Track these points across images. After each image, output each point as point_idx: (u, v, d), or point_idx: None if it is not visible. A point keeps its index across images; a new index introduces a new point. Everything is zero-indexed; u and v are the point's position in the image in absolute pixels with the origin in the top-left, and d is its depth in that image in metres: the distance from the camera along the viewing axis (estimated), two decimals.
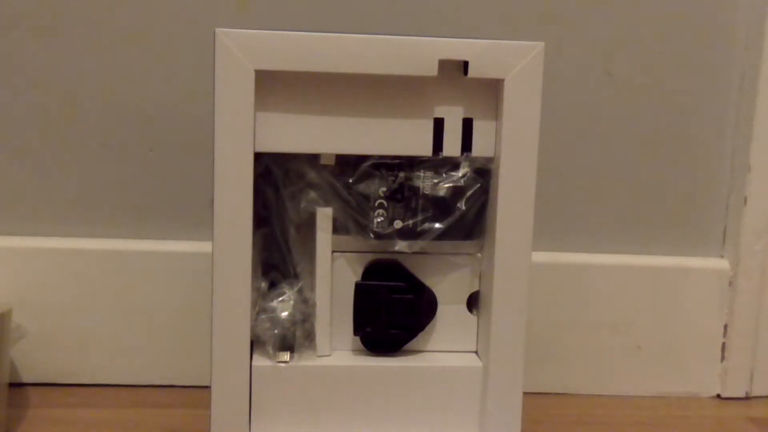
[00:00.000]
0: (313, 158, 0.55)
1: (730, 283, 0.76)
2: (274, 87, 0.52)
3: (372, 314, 0.56)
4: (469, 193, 0.55)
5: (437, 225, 0.55)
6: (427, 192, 0.54)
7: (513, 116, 0.53)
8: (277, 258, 0.57)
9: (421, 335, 0.57)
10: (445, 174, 0.55)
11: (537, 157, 0.53)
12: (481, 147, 0.54)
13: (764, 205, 0.75)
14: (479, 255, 0.57)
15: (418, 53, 0.51)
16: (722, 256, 0.77)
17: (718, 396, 0.77)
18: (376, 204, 0.54)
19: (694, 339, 0.77)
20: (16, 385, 0.71)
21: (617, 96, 0.74)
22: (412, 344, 0.57)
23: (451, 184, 0.54)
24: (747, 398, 0.77)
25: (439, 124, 0.54)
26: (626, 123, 0.75)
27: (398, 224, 0.55)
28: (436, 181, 0.54)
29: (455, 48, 0.52)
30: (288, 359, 0.55)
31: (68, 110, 0.71)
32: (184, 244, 0.72)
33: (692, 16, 0.74)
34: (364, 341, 0.57)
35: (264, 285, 0.56)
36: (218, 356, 0.53)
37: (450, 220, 0.55)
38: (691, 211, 0.77)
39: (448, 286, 0.57)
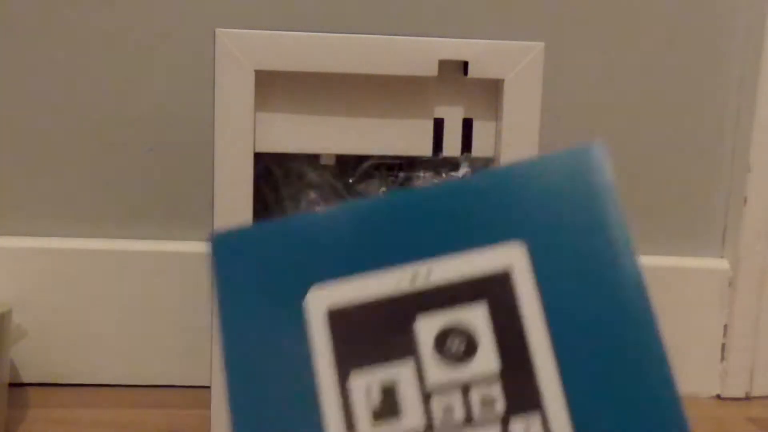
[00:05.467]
0: (313, 158, 0.55)
1: (730, 283, 0.76)
2: (274, 87, 0.52)
3: None
4: None
5: None
6: None
7: (513, 116, 0.53)
8: None
9: None
10: (445, 174, 0.55)
11: None
12: (481, 147, 0.54)
13: (764, 205, 0.75)
14: None
15: (418, 53, 0.51)
16: (722, 256, 0.77)
17: (718, 396, 0.77)
18: None
19: (694, 339, 0.77)
20: (16, 385, 0.71)
21: (617, 96, 0.74)
22: None
23: None
24: (747, 398, 0.77)
25: (439, 125, 0.54)
26: (626, 123, 0.75)
27: None
28: (436, 181, 0.54)
29: (455, 48, 0.52)
30: None
31: (68, 110, 0.71)
32: (184, 244, 0.72)
33: (692, 16, 0.74)
34: None
35: None
36: (218, 356, 0.53)
37: None
38: (691, 211, 0.77)
39: None
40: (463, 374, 0.27)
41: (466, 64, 0.52)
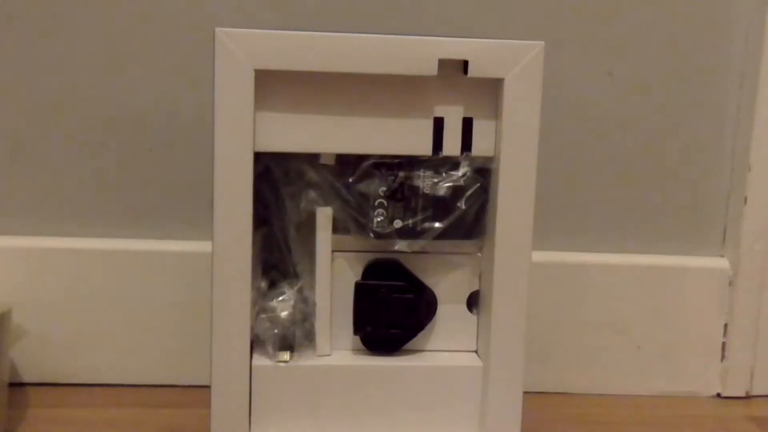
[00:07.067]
0: (313, 158, 0.55)
1: (730, 283, 0.76)
2: (274, 87, 0.52)
3: (372, 314, 0.56)
4: (468, 193, 0.55)
5: (437, 224, 0.55)
6: (426, 191, 0.54)
7: (513, 116, 0.53)
8: (277, 258, 0.57)
9: (421, 335, 0.57)
10: (445, 173, 0.55)
11: (537, 157, 0.53)
12: (480, 146, 0.54)
13: (764, 205, 0.75)
14: (479, 254, 0.57)
15: (418, 53, 0.51)
16: (722, 256, 0.77)
17: (719, 395, 0.77)
18: (376, 203, 0.54)
19: (694, 339, 0.77)
20: (16, 385, 0.71)
21: (617, 96, 0.74)
22: (412, 344, 0.57)
23: (450, 184, 0.54)
24: (747, 398, 0.77)
25: (438, 124, 0.54)
26: (626, 123, 0.75)
27: (398, 224, 0.55)
28: (435, 180, 0.54)
29: (455, 47, 0.52)
30: (288, 359, 0.55)
31: (68, 110, 0.71)
32: (184, 244, 0.72)
33: (692, 15, 0.74)
34: (364, 341, 0.57)
35: (264, 285, 0.56)
36: (218, 356, 0.53)
37: (450, 219, 0.55)
38: (691, 211, 0.77)
39: (448, 286, 0.57)
40: None
41: (466, 63, 0.52)
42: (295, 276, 0.57)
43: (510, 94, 0.52)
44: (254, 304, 0.55)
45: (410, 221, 0.55)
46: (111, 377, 0.72)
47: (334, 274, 0.56)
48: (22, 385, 0.71)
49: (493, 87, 0.53)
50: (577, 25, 0.73)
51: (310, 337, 0.56)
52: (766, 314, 0.77)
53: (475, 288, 0.57)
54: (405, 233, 0.55)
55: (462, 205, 0.55)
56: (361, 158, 0.54)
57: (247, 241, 0.52)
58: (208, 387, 0.54)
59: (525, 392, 0.55)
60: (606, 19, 0.73)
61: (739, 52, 0.75)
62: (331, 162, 0.55)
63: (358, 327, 0.56)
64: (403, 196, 0.55)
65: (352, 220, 0.55)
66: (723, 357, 0.77)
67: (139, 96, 0.71)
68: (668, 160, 0.76)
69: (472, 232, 0.56)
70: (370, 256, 0.56)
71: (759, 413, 0.74)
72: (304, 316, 0.56)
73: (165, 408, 0.69)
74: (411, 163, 0.54)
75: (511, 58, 0.52)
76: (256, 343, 0.56)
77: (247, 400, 0.54)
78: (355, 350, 0.57)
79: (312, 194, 0.55)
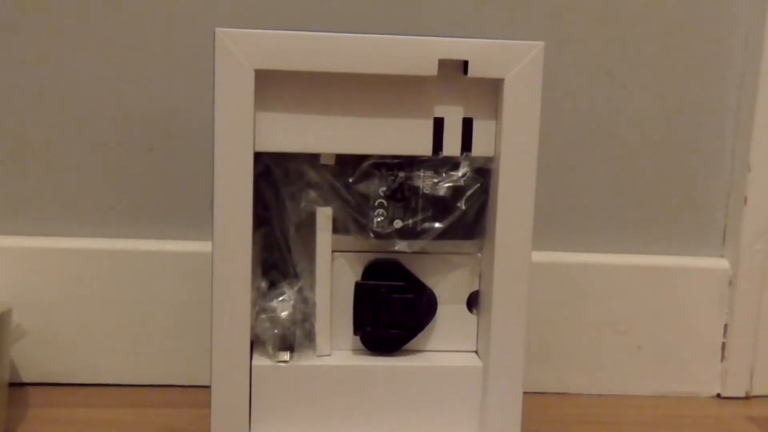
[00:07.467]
0: (313, 158, 0.55)
1: (730, 283, 0.76)
2: (274, 87, 0.52)
3: (372, 314, 0.56)
4: (469, 193, 0.55)
5: (437, 224, 0.55)
6: (427, 192, 0.54)
7: (513, 116, 0.53)
8: (277, 258, 0.57)
9: (421, 335, 0.57)
10: (445, 174, 0.55)
11: (537, 157, 0.53)
12: (481, 147, 0.54)
13: (764, 205, 0.75)
14: (479, 255, 0.57)
15: (418, 53, 0.51)
16: (722, 256, 0.77)
17: (718, 396, 0.77)
18: (376, 204, 0.54)
19: (694, 339, 0.77)
20: (16, 385, 0.71)
21: (617, 96, 0.74)
22: (412, 344, 0.57)
23: (451, 184, 0.54)
24: (747, 398, 0.77)
25: (439, 124, 0.54)
26: (626, 123, 0.75)
27: (398, 224, 0.55)
28: (436, 180, 0.54)
29: (455, 47, 0.52)
30: (288, 359, 0.55)
31: (68, 110, 0.71)
32: (184, 244, 0.72)
33: (692, 16, 0.74)
34: (364, 341, 0.57)
35: (264, 285, 0.57)
36: (218, 356, 0.53)
37: (450, 219, 0.55)
38: (691, 211, 0.77)
39: (448, 286, 0.57)
40: None
41: (466, 63, 0.52)
42: (295, 276, 0.57)
43: (510, 94, 0.52)
44: (254, 304, 0.55)
45: (410, 221, 0.55)
46: (111, 377, 0.72)
47: (334, 274, 0.56)
48: (22, 385, 0.71)
49: (493, 87, 0.53)
50: (577, 25, 0.73)
51: (310, 337, 0.56)
52: (766, 314, 0.77)
53: (475, 288, 0.57)
54: (405, 233, 0.55)
55: (462, 205, 0.55)
56: (361, 158, 0.54)
57: (247, 241, 0.52)
58: (208, 387, 0.54)
59: (525, 392, 0.55)
60: (606, 19, 0.73)
61: (739, 52, 0.75)
62: (331, 162, 0.55)
63: (358, 327, 0.56)
64: (403, 196, 0.55)
65: (352, 220, 0.55)
66: (723, 357, 0.77)
67: (139, 96, 0.71)
68: (668, 160, 0.76)
69: (472, 232, 0.56)
70: (370, 256, 0.56)
71: (759, 413, 0.74)
72: (304, 316, 0.56)
73: (165, 408, 0.69)
74: (411, 163, 0.54)
75: (511, 58, 0.52)
76: (256, 343, 0.56)
77: (247, 400, 0.54)
78: (355, 350, 0.57)
79: (312, 194, 0.55)
